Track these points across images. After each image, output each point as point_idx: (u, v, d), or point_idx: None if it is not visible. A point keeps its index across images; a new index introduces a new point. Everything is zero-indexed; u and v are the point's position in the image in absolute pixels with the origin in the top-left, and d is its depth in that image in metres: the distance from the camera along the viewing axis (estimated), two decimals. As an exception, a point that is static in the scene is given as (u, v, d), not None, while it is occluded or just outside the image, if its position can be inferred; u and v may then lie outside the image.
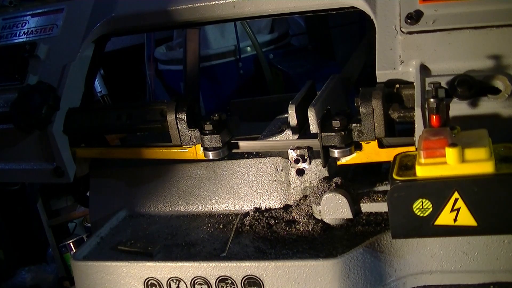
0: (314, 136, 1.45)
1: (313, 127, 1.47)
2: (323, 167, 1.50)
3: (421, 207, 1.14)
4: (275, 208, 1.67)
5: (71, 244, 3.32)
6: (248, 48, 3.81)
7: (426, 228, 1.15)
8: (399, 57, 1.40)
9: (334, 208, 1.49)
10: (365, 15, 1.55)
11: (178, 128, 1.57)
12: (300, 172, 1.63)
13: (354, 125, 1.39)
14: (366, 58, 1.96)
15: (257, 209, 1.68)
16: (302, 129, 1.57)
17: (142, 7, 1.78)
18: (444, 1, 1.39)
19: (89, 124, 1.72)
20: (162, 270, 1.50)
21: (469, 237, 1.38)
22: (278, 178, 1.67)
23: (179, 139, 1.59)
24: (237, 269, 1.44)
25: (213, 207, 1.75)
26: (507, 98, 1.27)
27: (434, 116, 1.24)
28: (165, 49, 4.08)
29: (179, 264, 1.49)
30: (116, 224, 1.78)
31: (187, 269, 1.48)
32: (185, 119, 1.56)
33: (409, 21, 1.41)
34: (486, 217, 1.12)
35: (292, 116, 1.54)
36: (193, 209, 1.77)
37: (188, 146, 1.60)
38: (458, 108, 1.30)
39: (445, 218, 1.14)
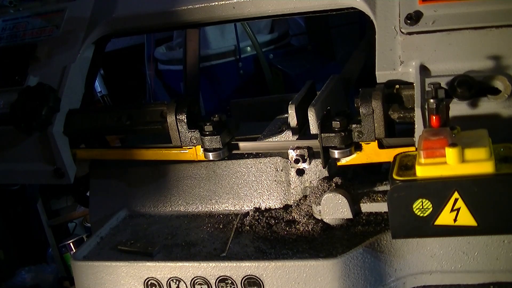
0: (314, 136, 1.45)
1: (313, 128, 1.47)
2: (323, 168, 1.51)
3: (421, 207, 1.14)
4: (275, 208, 1.67)
5: (71, 244, 3.32)
6: (248, 48, 3.81)
7: (426, 228, 1.15)
8: (399, 58, 1.40)
9: (334, 208, 1.49)
10: (365, 16, 1.55)
11: (178, 129, 1.57)
12: (300, 172, 1.63)
13: (354, 125, 1.39)
14: (366, 58, 1.96)
15: (257, 209, 1.68)
16: (302, 129, 1.57)
17: (142, 8, 1.78)
18: (444, 2, 1.39)
19: (89, 126, 1.72)
20: (162, 270, 1.51)
21: (469, 237, 1.38)
22: (278, 178, 1.67)
23: (179, 140, 1.59)
24: (237, 269, 1.44)
25: (213, 207, 1.75)
26: (507, 98, 1.27)
27: (434, 117, 1.24)
28: (165, 49, 4.08)
29: (179, 264, 1.49)
30: (116, 224, 1.78)
31: (187, 269, 1.48)
32: (185, 120, 1.56)
33: (408, 21, 1.41)
34: (486, 217, 1.12)
35: (292, 116, 1.54)
36: (193, 209, 1.77)
37: (188, 147, 1.60)
38: (458, 108, 1.30)
39: (445, 218, 1.14)
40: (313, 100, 1.51)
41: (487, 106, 1.29)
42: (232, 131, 1.59)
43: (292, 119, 1.55)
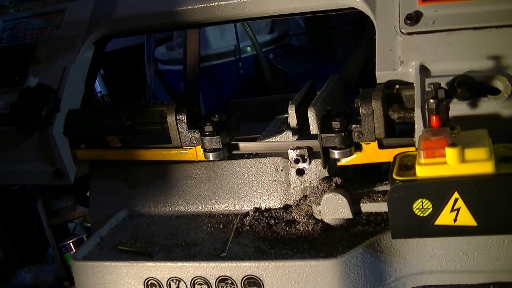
0: (314, 136, 1.45)
1: (313, 128, 1.47)
2: (323, 168, 1.51)
3: (421, 207, 1.14)
4: (275, 208, 1.67)
5: (71, 244, 3.33)
6: (248, 48, 3.82)
7: (426, 228, 1.15)
8: (398, 58, 1.40)
9: (334, 208, 1.50)
10: (365, 16, 1.55)
11: (178, 129, 1.57)
12: (300, 172, 1.63)
13: (354, 126, 1.39)
14: (366, 58, 1.97)
15: (257, 209, 1.68)
16: (302, 129, 1.57)
17: (142, 9, 1.78)
18: (444, 2, 1.40)
19: (90, 126, 1.72)
20: (162, 270, 1.51)
21: (469, 237, 1.38)
22: (278, 178, 1.67)
23: (179, 141, 1.59)
24: (237, 269, 1.44)
25: (213, 207, 1.75)
26: (507, 98, 1.27)
27: (434, 117, 1.24)
28: (165, 49, 4.08)
29: (179, 264, 1.49)
30: (116, 224, 1.78)
31: (187, 269, 1.48)
32: (185, 121, 1.56)
33: (408, 21, 1.41)
34: (486, 217, 1.12)
35: (292, 116, 1.54)
36: (193, 209, 1.77)
37: (188, 147, 1.60)
38: (458, 108, 1.30)
39: (445, 218, 1.14)
40: (313, 100, 1.51)
41: (487, 106, 1.29)
42: (232, 131, 1.60)
43: (292, 119, 1.55)
